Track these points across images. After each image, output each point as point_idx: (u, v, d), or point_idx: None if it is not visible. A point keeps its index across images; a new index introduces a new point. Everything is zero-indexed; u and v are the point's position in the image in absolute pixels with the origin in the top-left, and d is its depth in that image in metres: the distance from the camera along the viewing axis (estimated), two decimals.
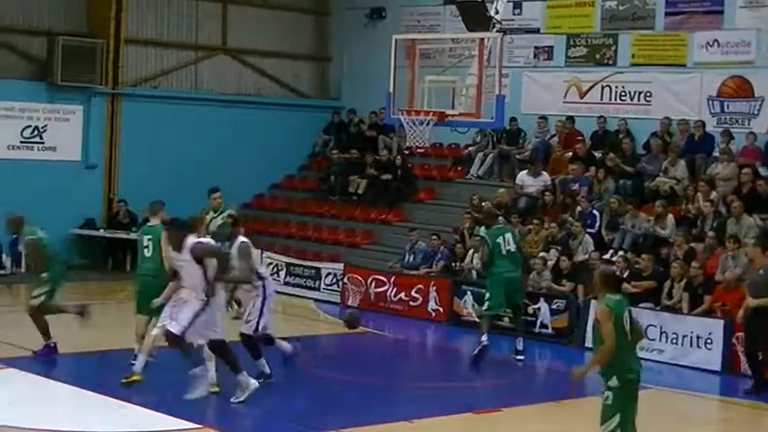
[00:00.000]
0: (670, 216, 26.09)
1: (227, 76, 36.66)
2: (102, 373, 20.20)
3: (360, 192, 34.05)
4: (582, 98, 31.88)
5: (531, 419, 18.82)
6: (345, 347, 25.06)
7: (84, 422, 16.71)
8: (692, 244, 24.99)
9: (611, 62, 31.41)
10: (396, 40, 26.96)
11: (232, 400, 18.03)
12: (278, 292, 29.47)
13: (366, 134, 35.38)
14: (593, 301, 24.17)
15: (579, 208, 28.05)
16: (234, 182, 34.16)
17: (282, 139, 36.34)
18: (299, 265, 30.85)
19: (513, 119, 31.59)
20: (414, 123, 26.37)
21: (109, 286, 31.17)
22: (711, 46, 29.20)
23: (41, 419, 16.51)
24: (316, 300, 29.81)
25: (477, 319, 25.94)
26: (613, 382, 13.37)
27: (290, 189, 36.72)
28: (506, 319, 25.71)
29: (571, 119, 31.40)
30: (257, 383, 17.98)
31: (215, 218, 22.84)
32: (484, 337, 22.05)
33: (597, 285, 14.14)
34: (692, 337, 23.08)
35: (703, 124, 28.71)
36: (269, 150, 35.92)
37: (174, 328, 16.83)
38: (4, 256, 31.81)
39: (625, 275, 24.45)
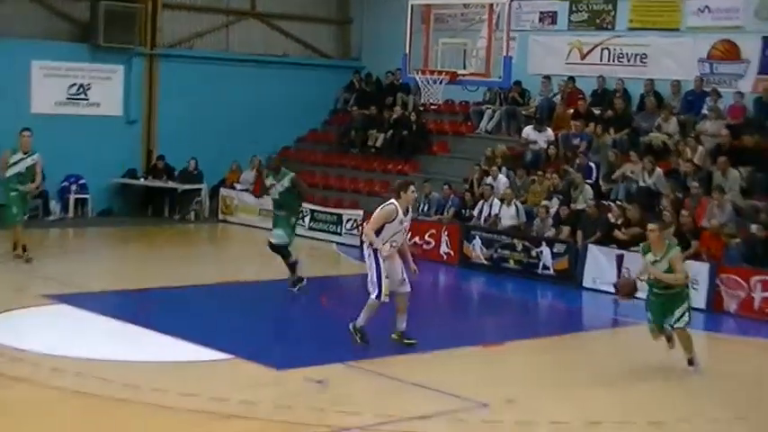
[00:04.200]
0: (658, 169, 26.33)
1: (255, 39, 36.81)
2: (142, 308, 20.50)
3: (378, 145, 34.16)
4: (583, 60, 32.06)
5: (534, 351, 19.10)
6: (364, 287, 25.25)
7: (126, 352, 16.95)
8: (680, 194, 25.27)
9: (610, 26, 31.57)
10: (412, 5, 27.22)
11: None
12: (303, 237, 30.12)
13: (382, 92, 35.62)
14: (590, 246, 24.78)
15: (579, 161, 28.35)
16: (262, 136, 34.69)
17: (306, 96, 36.46)
18: (322, 212, 31.09)
19: (517, 82, 31.70)
20: (428, 82, 26.67)
21: (149, 231, 31.56)
22: (703, 12, 29.40)
23: (87, 350, 16.75)
24: (337, 243, 30.03)
25: (485, 261, 26.43)
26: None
27: (313, 142, 36.89)
28: (511, 261, 26.22)
29: (572, 79, 31.58)
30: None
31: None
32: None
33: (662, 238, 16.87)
34: None
35: (695, 84, 29.02)
36: (294, 107, 36.11)
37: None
38: (53, 202, 32.13)
39: (619, 222, 24.87)
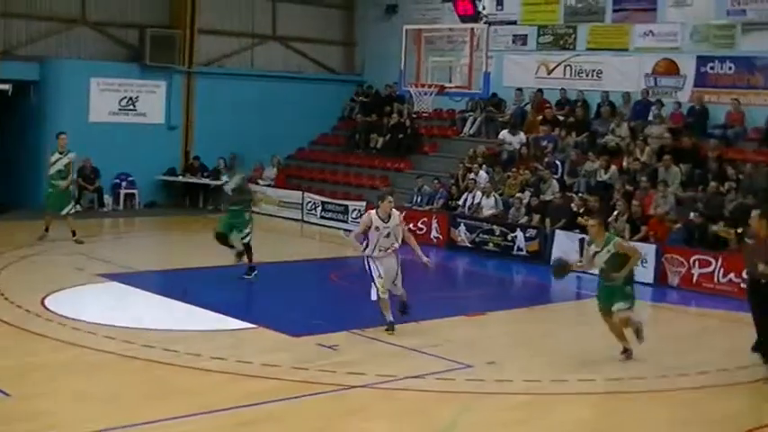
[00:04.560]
0: (613, 167, 26.28)
1: (275, 58, 36.53)
2: (180, 285, 20.27)
3: (378, 147, 34.01)
4: (549, 74, 31.80)
5: (511, 320, 19.13)
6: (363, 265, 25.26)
7: (167, 322, 17.00)
8: (631, 187, 25.24)
9: (571, 47, 31.39)
10: (406, 29, 27.09)
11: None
12: (316, 224, 30.01)
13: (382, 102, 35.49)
14: (557, 231, 24.67)
15: (546, 159, 28.25)
16: (280, 139, 34.66)
17: (318, 105, 36.21)
18: (332, 203, 30.95)
19: (494, 94, 31.59)
20: (420, 94, 26.54)
21: (186, 220, 31.42)
22: (647, 35, 29.34)
23: (134, 320, 16.78)
24: (344, 230, 29.96)
25: (469, 245, 26.29)
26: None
27: (324, 144, 36.63)
28: (491, 244, 26.11)
29: (541, 91, 31.40)
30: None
31: None
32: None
33: (600, 230, 15.56)
34: None
35: (642, 95, 28.99)
36: (307, 114, 35.83)
37: None
38: (107, 196, 32.03)
39: (581, 211, 24.76)
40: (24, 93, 31.05)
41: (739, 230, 21.32)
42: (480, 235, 26.52)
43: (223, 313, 17.54)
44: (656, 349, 16.29)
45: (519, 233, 25.87)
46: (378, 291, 16.43)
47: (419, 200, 29.33)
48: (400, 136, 33.54)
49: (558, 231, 24.95)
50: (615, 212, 24.13)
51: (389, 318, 16.55)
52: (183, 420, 11.90)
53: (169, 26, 33.45)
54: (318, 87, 36.64)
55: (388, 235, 16.59)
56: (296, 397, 12.96)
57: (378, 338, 16.14)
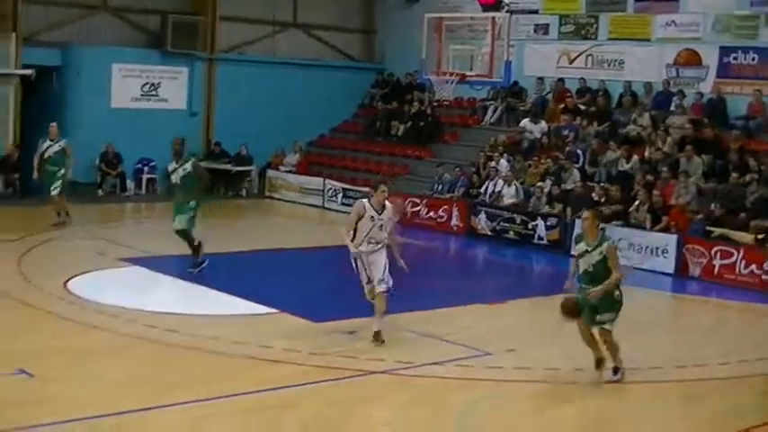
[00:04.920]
0: (634, 156, 26.24)
1: (296, 45, 36.57)
2: (201, 270, 20.40)
3: (399, 134, 34.02)
4: (570, 64, 31.72)
5: (530, 309, 19.10)
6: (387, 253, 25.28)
7: (188, 306, 17.12)
8: (652, 177, 25.20)
9: (593, 37, 31.28)
10: (427, 18, 27.16)
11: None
12: (336, 211, 30.06)
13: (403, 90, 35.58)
14: (577, 220, 24.65)
15: (567, 148, 28.26)
16: (302, 126, 34.73)
17: (339, 93, 36.26)
18: (352, 190, 30.83)
19: (515, 82, 31.69)
20: (441, 82, 26.65)
21: (207, 205, 31.18)
22: (669, 25, 29.23)
23: (156, 304, 16.94)
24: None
25: (489, 233, 26.30)
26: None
27: (345, 131, 36.65)
28: (511, 233, 26.15)
29: (562, 80, 31.34)
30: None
31: None
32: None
33: (594, 225, 13.82)
34: (652, 248, 23.34)
35: (663, 85, 28.90)
36: (329, 102, 35.89)
37: None
38: (129, 181, 32.18)
39: (602, 200, 24.79)
40: (47, 78, 31.19)
41: (760, 236, 21.47)
42: (501, 223, 26.51)
43: (244, 298, 17.65)
44: (676, 340, 16.33)
45: (540, 222, 25.83)
46: (366, 294, 15.28)
47: (440, 188, 29.32)
48: (421, 124, 33.54)
49: (578, 221, 24.88)
50: (636, 202, 24.16)
51: (377, 326, 15.20)
52: (204, 404, 12.02)
53: (191, 13, 33.51)
54: (339, 75, 36.67)
55: (381, 227, 15.24)
56: (315, 382, 13.05)
57: (397, 325, 16.20)
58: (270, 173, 34.15)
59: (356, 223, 15.25)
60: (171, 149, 20.64)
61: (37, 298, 17.00)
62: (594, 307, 13.51)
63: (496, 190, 27.56)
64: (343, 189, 31.15)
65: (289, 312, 16.65)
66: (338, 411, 12.18)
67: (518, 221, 26.26)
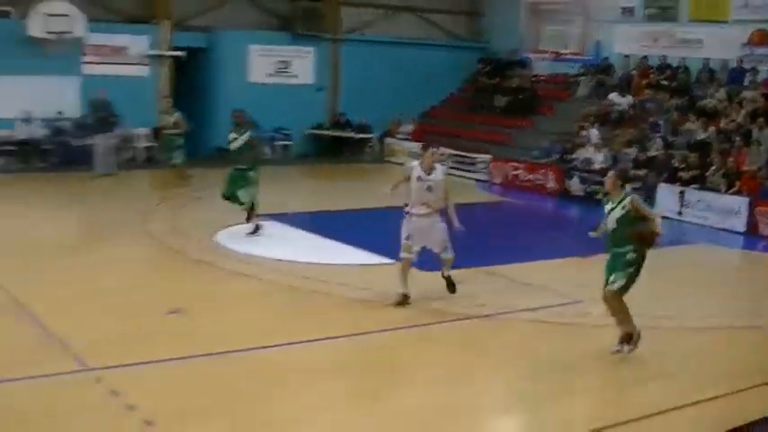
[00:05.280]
0: (711, 127, 26.00)
1: (409, 26, 36.77)
2: (329, 225, 20.80)
3: (501, 106, 34.07)
4: (654, 43, 31.51)
5: None
6: (491, 211, 25.57)
7: (319, 257, 17.38)
8: (725, 145, 25.03)
9: (674, 18, 30.95)
10: (527, 1, 27.23)
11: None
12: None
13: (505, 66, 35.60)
14: (660, 183, 24.63)
15: (651, 119, 28.17)
16: (415, 99, 34.93)
17: (447, 69, 36.35)
18: (460, 155, 31.09)
19: (605, 58, 31.55)
20: (538, 59, 26.76)
21: (333, 168, 31.91)
22: (745, 8, 28.76)
23: (291, 254, 17.27)
24: (471, 179, 30.29)
25: (581, 194, 26.31)
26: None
27: (453, 104, 36.74)
28: (601, 194, 26.19)
29: (646, 57, 31.13)
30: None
31: None
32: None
33: (616, 184, 12.40)
34: (726, 210, 23.24)
35: (738, 62, 28.66)
36: (438, 77, 36.01)
37: None
38: (266, 148, 32.57)
39: (682, 166, 24.73)
40: (195, 58, 31.89)
41: None
42: (591, 186, 26.59)
43: (366, 249, 17.94)
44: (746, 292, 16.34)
45: (627, 185, 25.63)
46: (401, 251, 14.24)
47: (537, 154, 29.40)
48: (521, 97, 33.54)
49: (661, 184, 24.93)
50: (712, 167, 24.09)
51: (403, 288, 14.24)
52: (335, 341, 12.49)
53: None
54: (447, 53, 36.73)
55: (429, 188, 14.11)
56: (425, 324, 13.38)
57: (497, 273, 16.42)
58: (388, 140, 34.54)
59: (401, 184, 14.25)
60: (231, 120, 19.50)
61: (190, 248, 17.62)
62: (611, 266, 12.23)
63: (587, 156, 27.66)
64: (452, 155, 31.26)
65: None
66: (443, 350, 12.55)
67: None
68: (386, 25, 36.32)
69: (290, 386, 10.90)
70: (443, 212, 14.32)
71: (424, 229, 14.20)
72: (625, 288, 12.05)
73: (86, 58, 29.68)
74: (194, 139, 29.58)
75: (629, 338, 12.22)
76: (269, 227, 19.76)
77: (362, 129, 34.08)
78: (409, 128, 34.38)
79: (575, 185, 27.22)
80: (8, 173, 26.97)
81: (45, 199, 23.14)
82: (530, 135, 31.26)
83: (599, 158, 27.26)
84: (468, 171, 30.62)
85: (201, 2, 32.28)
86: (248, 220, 19.12)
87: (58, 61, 28.58)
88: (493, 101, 34.48)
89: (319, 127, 34.35)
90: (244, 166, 18.86)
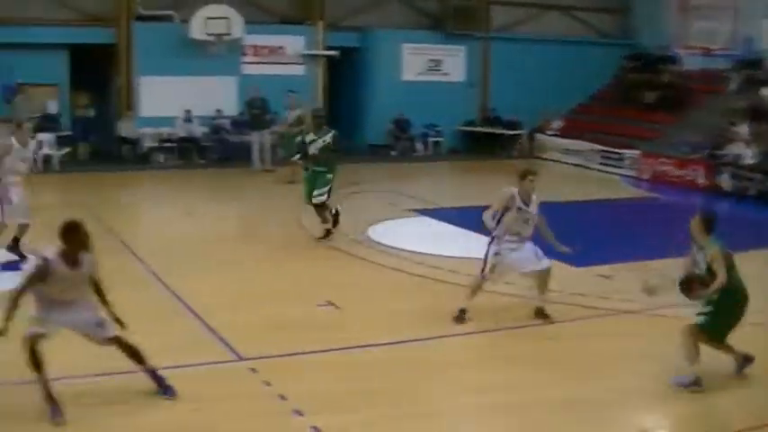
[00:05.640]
0: None
1: (557, 24, 36.31)
2: (477, 219, 20.57)
3: (651, 102, 33.30)
4: None
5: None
6: (638, 206, 24.99)
7: (467, 251, 16.81)
8: None
9: None
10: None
11: None
12: (594, 170, 29.74)
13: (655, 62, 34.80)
14: None
15: None
16: (563, 95, 34.40)
17: (596, 65, 35.65)
18: (609, 151, 30.57)
19: (755, 54, 30.51)
20: (688, 55, 26.05)
21: (483, 164, 31.57)
22: None
23: (439, 248, 17.17)
24: (619, 175, 29.72)
25: (731, 190, 25.49)
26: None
27: (602, 99, 36.05)
28: (752, 190, 25.31)
29: None
30: None
31: None
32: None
33: (701, 229, 10.57)
34: None
35: None
36: (587, 73, 35.36)
37: None
38: (418, 143, 32.84)
39: None
40: (349, 58, 32.08)
41: None
42: (742, 182, 25.73)
43: None
44: None
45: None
46: (482, 274, 12.76)
47: (687, 150, 28.56)
48: (670, 93, 32.69)
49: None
50: None
51: (465, 304, 12.76)
52: (481, 335, 12.32)
53: None
54: (596, 49, 36.08)
55: (527, 221, 12.65)
56: (573, 320, 13.09)
57: (652, 270, 16.00)
58: (537, 136, 34.12)
59: (502, 214, 12.54)
60: (312, 121, 18.64)
61: (343, 242, 17.68)
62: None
63: (738, 152, 26.77)
64: (601, 150, 30.75)
65: (554, 258, 16.56)
66: (594, 344, 12.22)
67: (758, 180, 25.43)
68: (534, 23, 35.92)
69: (437, 379, 10.75)
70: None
71: (517, 261, 12.78)
72: (709, 324, 10.48)
73: (245, 59, 30.16)
74: (348, 136, 29.82)
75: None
76: (418, 222, 19.72)
77: (512, 125, 33.77)
78: (558, 123, 33.89)
79: (725, 181, 26.32)
80: (169, 169, 27.60)
81: (203, 194, 23.56)
82: (679, 131, 30.42)
83: (749, 154, 26.34)
84: (615, 167, 30.05)
85: (355, 3, 32.44)
86: (325, 220, 17.98)
87: (217, 62, 29.17)
88: (642, 96, 33.67)
89: (470, 123, 34.15)
90: (322, 168, 17.70)
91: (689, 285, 10.54)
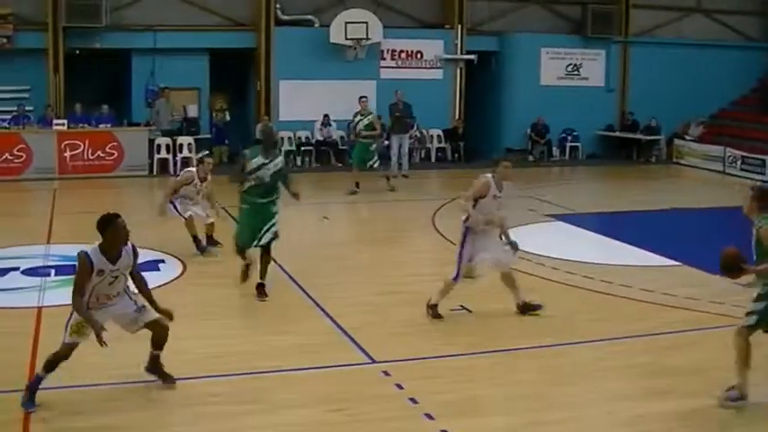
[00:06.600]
0: None
1: (700, 28, 35.23)
2: (614, 225, 20.42)
3: None
4: None
5: None
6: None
7: (603, 257, 17.01)
8: None
9: None
10: None
11: None
12: (735, 176, 28.96)
13: None
14: None
15: None
16: (703, 100, 33.52)
17: (738, 70, 34.55)
18: (751, 157, 29.56)
19: None
20: None
21: (621, 170, 31.02)
22: None
23: (575, 254, 16.95)
24: (762, 182, 28.77)
25: None
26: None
27: (743, 105, 34.88)
28: None
29: None
30: None
31: None
32: None
33: (755, 205, 9.91)
34: None
35: None
36: (728, 78, 34.23)
37: None
38: (555, 148, 32.51)
39: None
40: (486, 62, 31.98)
41: None
42: None
43: (651, 251, 17.38)
44: None
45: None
46: (459, 275, 12.73)
47: None
48: None
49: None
50: None
51: (436, 299, 12.88)
52: (612, 342, 12.06)
53: (607, 2, 33.06)
54: (738, 54, 34.95)
55: (499, 208, 12.73)
56: (709, 328, 12.67)
57: None
58: (676, 141, 33.34)
59: (476, 201, 12.54)
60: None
61: None
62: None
63: None
64: (742, 156, 29.86)
65: (689, 264, 16.22)
66: (730, 354, 11.91)
67: None
68: (674, 26, 35.14)
69: (573, 384, 10.64)
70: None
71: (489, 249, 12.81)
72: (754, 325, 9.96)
73: (383, 63, 30.36)
74: (484, 140, 29.76)
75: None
76: (555, 227, 19.58)
77: (651, 130, 33.11)
78: (698, 129, 33.11)
79: None
80: (306, 171, 27.93)
81: (340, 198, 23.72)
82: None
83: None
84: (758, 173, 29.16)
85: (494, 7, 32.31)
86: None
87: (357, 66, 29.42)
88: None
89: (609, 128, 33.65)
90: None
91: (730, 263, 9.93)
